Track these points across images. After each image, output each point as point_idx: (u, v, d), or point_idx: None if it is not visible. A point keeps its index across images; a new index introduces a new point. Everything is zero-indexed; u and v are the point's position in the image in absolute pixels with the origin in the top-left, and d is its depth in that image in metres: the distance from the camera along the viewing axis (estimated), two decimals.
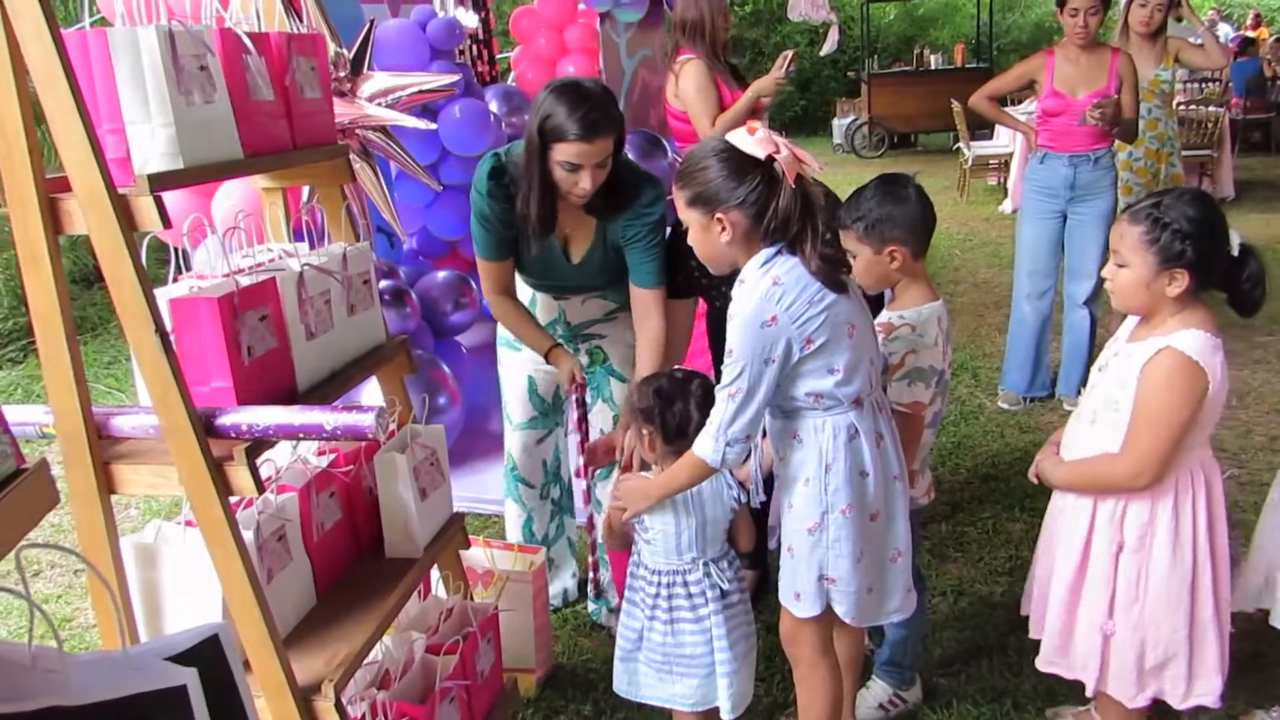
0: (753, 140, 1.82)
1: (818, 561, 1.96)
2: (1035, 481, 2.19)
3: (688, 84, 3.83)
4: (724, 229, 1.85)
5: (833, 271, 1.84)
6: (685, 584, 2.12)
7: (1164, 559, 1.96)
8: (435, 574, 2.31)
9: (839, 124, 14.45)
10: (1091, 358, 4.25)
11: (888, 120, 13.77)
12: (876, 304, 2.33)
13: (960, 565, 3.11)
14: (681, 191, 1.90)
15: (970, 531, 3.31)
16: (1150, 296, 1.93)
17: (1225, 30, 14.03)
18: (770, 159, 1.81)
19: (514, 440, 2.80)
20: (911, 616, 2.24)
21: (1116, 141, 4.26)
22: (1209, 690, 2.01)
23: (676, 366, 2.42)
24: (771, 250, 1.85)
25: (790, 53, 3.87)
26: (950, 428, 4.19)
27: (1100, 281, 4.16)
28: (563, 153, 2.23)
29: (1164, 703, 2.07)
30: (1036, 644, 2.19)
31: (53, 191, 1.46)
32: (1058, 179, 4.14)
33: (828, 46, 6.50)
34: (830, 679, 2.10)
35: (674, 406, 2.08)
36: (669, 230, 2.50)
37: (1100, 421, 2.01)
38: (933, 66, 14.35)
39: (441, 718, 1.98)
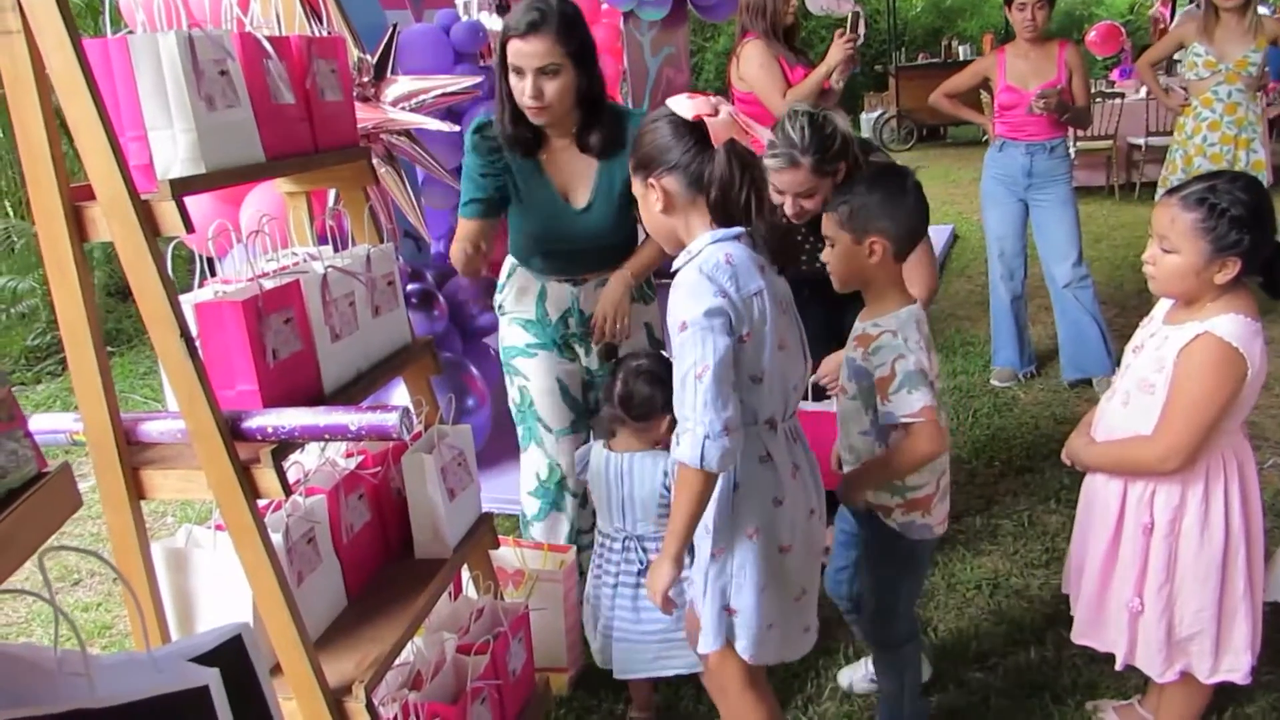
0: (689, 103, 1.71)
1: (720, 589, 1.83)
2: (1067, 463, 2.16)
3: (749, 64, 3.79)
4: (658, 196, 1.74)
5: (779, 245, 1.76)
6: (612, 551, 2.20)
7: (1192, 541, 1.95)
8: (466, 574, 2.31)
9: (866, 118, 14.36)
10: (1103, 336, 4.33)
11: (916, 113, 13.66)
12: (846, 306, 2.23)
13: (995, 558, 3.07)
14: (630, 159, 1.81)
15: (1005, 524, 3.27)
16: (1198, 284, 1.88)
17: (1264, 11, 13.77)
18: (698, 119, 1.68)
19: (559, 449, 2.63)
20: (904, 663, 2.21)
21: (1176, 121, 4.60)
22: (1237, 666, 2.00)
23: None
24: (727, 231, 1.73)
25: (855, 9, 3.80)
26: (984, 419, 4.15)
27: (1079, 261, 4.25)
28: (511, 54, 2.21)
29: (1230, 690, 2.03)
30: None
31: (77, 199, 1.47)
32: (1015, 166, 4.33)
33: None
34: (763, 712, 1.95)
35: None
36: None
37: (1133, 404, 1.99)
38: (961, 57, 14.23)
39: (474, 718, 1.98)
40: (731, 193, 1.70)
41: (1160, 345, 1.94)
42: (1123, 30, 11.55)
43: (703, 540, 1.85)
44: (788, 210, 2.48)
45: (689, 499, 1.72)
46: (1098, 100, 8.02)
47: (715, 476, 1.71)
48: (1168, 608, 1.98)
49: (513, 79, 2.25)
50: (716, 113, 1.69)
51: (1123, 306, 5.52)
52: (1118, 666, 2.09)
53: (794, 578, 1.86)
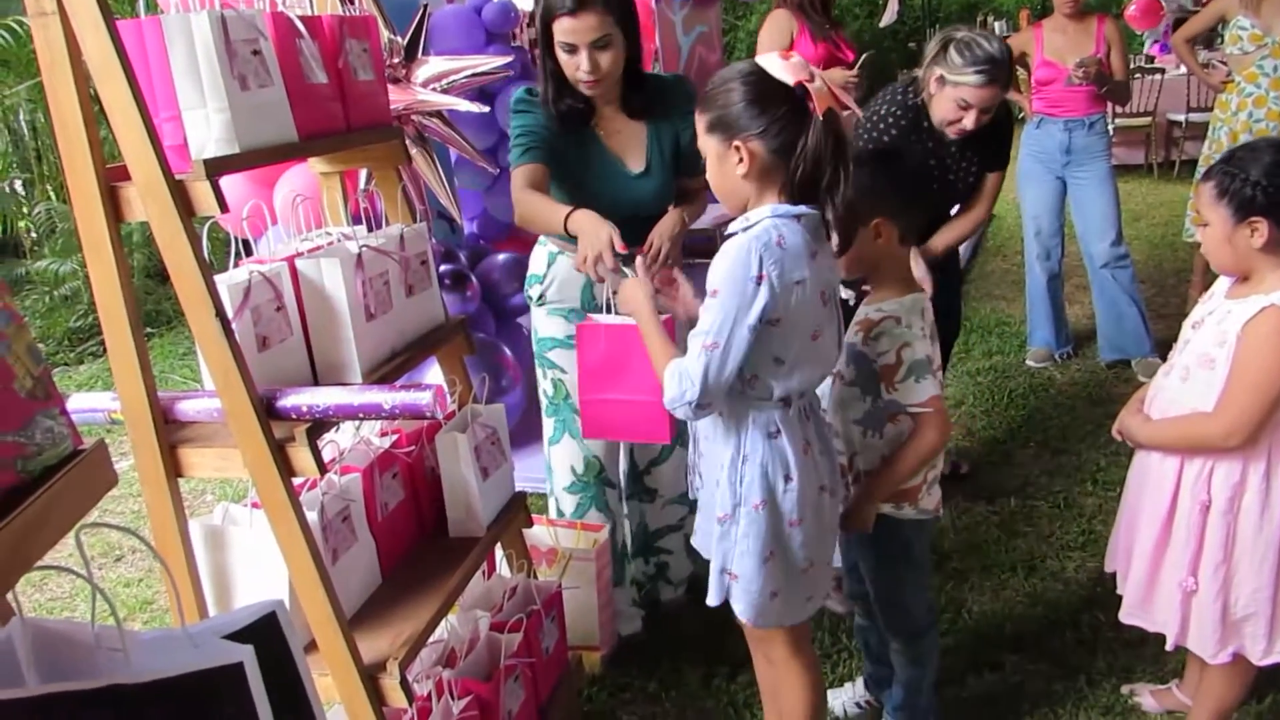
0: (784, 65, 1.63)
1: (723, 552, 1.83)
2: (1118, 439, 2.12)
3: (762, 32, 3.84)
4: (741, 159, 1.66)
5: (848, 226, 1.71)
6: None
7: (1253, 520, 1.91)
8: (499, 553, 2.32)
9: None
10: (1141, 316, 4.29)
11: None
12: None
13: (1030, 540, 3.05)
14: (701, 116, 1.72)
15: (1040, 506, 3.24)
16: (1235, 251, 1.87)
17: None
18: (800, 85, 1.61)
19: (598, 443, 2.55)
20: (925, 652, 2.17)
21: (1218, 98, 4.54)
22: None
23: None
24: (790, 209, 1.67)
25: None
26: (1019, 400, 4.11)
27: (1118, 240, 4.19)
28: (559, 33, 2.21)
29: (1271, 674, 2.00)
30: (1111, 619, 2.14)
31: (113, 180, 1.49)
32: (1053, 143, 4.26)
33: (887, 18, 6.41)
34: (808, 676, 1.95)
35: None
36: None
37: (1193, 379, 1.95)
38: (996, 33, 14.02)
39: (507, 695, 2.00)
40: (821, 165, 1.64)
41: (1222, 320, 1.91)
42: (1163, 4, 11.32)
43: (713, 499, 1.85)
44: (967, 125, 2.66)
45: (657, 359, 1.78)
46: (1136, 76, 7.87)
47: None
48: (1224, 588, 1.95)
49: (562, 56, 2.25)
50: (813, 79, 1.63)
51: (1161, 286, 5.44)
52: (1168, 647, 2.06)
53: (804, 550, 1.84)
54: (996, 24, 14.34)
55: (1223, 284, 2.01)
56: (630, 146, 2.40)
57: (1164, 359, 2.15)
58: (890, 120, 2.80)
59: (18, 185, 7.14)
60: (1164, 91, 8.36)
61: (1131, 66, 5.59)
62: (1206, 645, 2.00)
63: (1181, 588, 1.98)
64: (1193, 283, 5.04)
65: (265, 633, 0.95)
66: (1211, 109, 4.97)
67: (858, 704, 2.42)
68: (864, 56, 3.85)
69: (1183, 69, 8.23)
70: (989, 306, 5.35)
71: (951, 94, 2.64)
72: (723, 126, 1.67)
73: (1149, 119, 8.47)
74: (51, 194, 7.00)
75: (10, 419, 0.85)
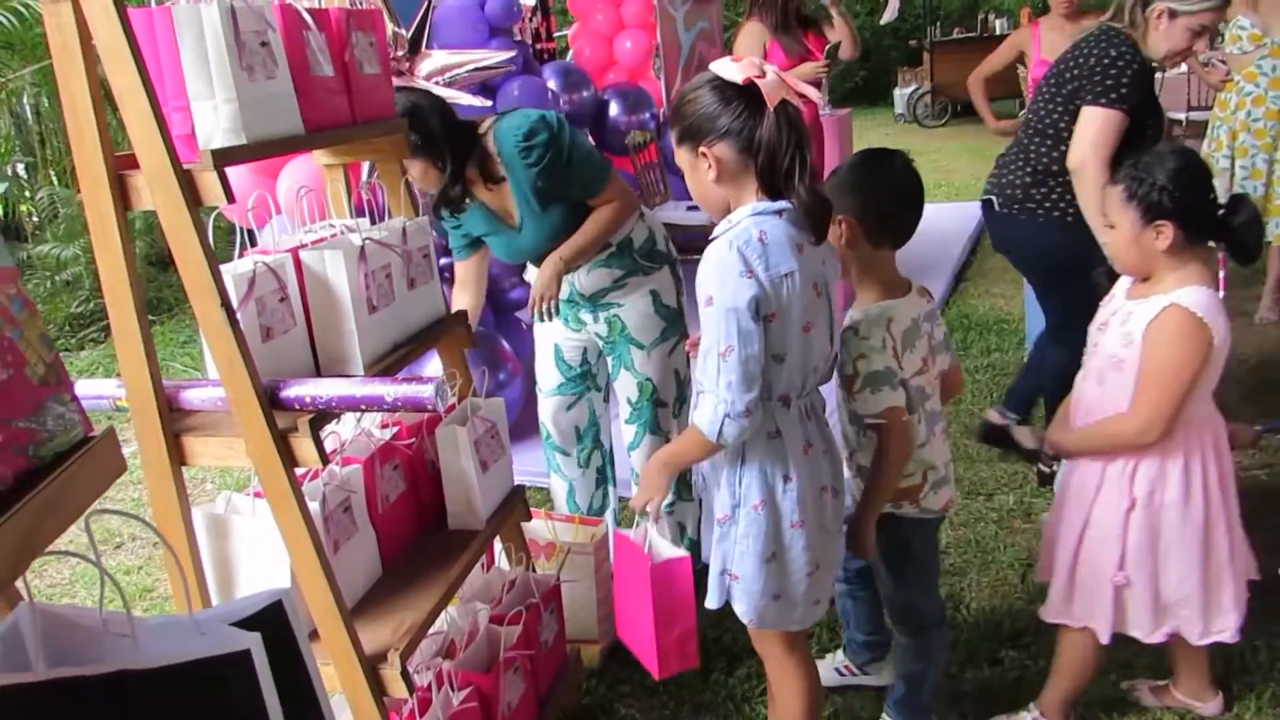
0: (736, 66, 1.67)
1: (723, 554, 1.85)
2: (1050, 453, 2.20)
3: (736, 42, 4.01)
4: (710, 165, 1.70)
5: (819, 214, 1.71)
6: None
7: (1174, 515, 1.98)
8: (497, 546, 2.33)
9: (900, 94, 14.21)
10: None
11: (951, 88, 13.47)
12: None
13: (1029, 537, 3.05)
14: (672, 131, 1.76)
15: (1038, 503, 3.24)
16: (1141, 253, 1.95)
17: None
18: (749, 82, 1.65)
19: (545, 408, 2.80)
20: (933, 650, 2.17)
21: (1217, 97, 4.56)
22: (1227, 626, 2.04)
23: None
24: (770, 205, 1.70)
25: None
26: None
27: None
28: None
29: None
30: None
31: (121, 168, 1.49)
32: None
33: (888, 15, 6.41)
34: (802, 678, 1.98)
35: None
36: None
37: (1106, 382, 2.02)
38: (997, 32, 14.00)
39: (506, 687, 2.01)
40: (777, 157, 1.67)
41: (1125, 321, 1.99)
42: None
43: (714, 500, 1.87)
44: (1198, 47, 2.83)
45: (689, 455, 1.84)
46: None
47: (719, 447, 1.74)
48: (1152, 578, 2.02)
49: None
50: (764, 74, 1.65)
51: None
52: (1103, 640, 2.10)
53: (808, 554, 1.84)
54: (998, 22, 14.34)
55: (1122, 285, 2.08)
56: (505, 206, 2.53)
57: None
58: (1129, 57, 2.82)
59: (20, 169, 7.13)
60: (1164, 90, 8.33)
61: None
62: (1142, 626, 2.06)
63: (1113, 582, 2.04)
64: None
65: (272, 621, 0.96)
66: (1211, 108, 4.97)
67: (836, 669, 2.45)
68: (827, 47, 3.98)
69: (1183, 68, 8.24)
70: (987, 304, 5.36)
71: (1185, 23, 2.74)
72: (689, 136, 1.73)
73: None
74: (54, 178, 7.00)
75: (23, 405, 0.86)
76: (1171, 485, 1.98)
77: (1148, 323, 1.92)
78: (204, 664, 0.87)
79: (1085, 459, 2.09)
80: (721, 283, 1.66)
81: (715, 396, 1.68)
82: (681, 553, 1.86)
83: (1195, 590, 2.01)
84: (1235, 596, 2.04)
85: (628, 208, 2.52)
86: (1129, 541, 2.01)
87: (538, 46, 5.37)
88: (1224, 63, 4.84)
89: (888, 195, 1.95)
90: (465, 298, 2.66)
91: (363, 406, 1.59)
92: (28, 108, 6.93)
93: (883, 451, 1.94)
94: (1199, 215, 1.93)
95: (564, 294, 2.60)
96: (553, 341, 2.74)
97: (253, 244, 1.91)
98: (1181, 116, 8.39)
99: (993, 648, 2.54)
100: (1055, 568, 2.15)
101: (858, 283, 2.02)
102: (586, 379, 2.78)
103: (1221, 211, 1.96)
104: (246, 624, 0.94)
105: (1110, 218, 1.99)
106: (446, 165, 2.40)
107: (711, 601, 1.90)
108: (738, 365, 1.66)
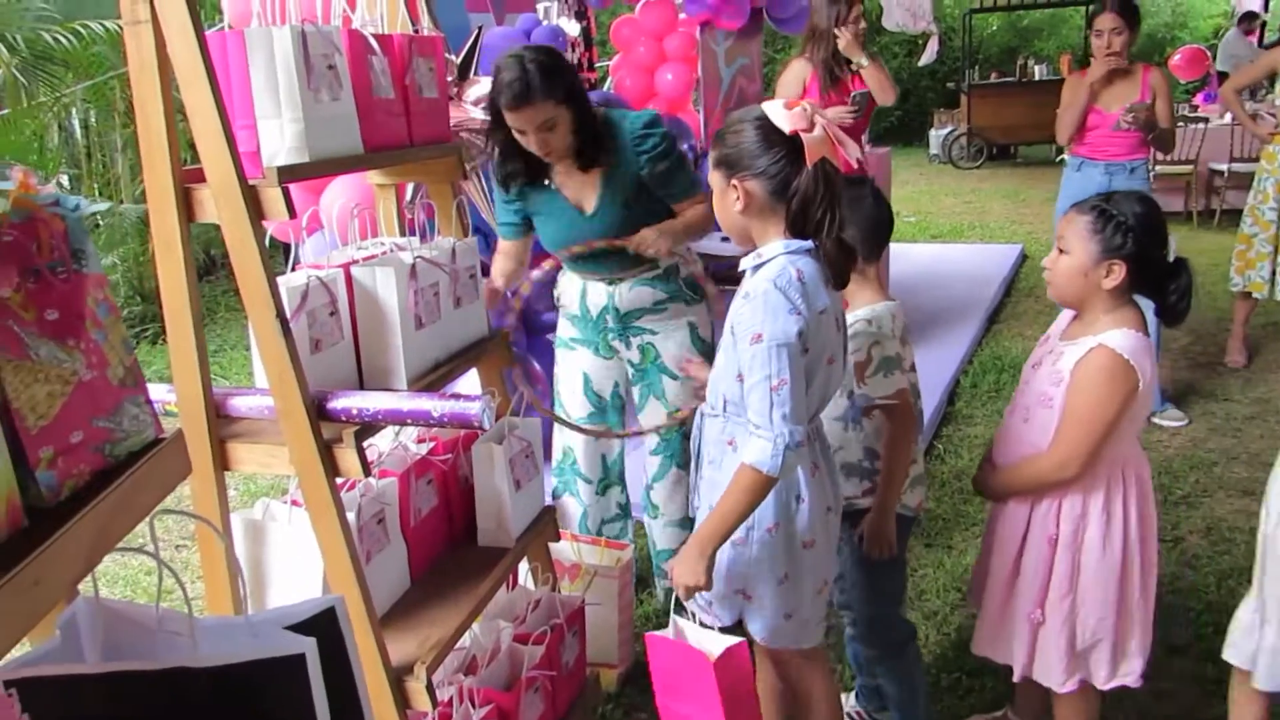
0: (786, 114, 1.73)
1: (738, 575, 1.90)
2: (977, 493, 2.25)
3: (779, 79, 4.15)
4: (738, 197, 1.77)
5: (843, 265, 1.79)
6: None
7: (1094, 552, 2.01)
8: (523, 565, 2.35)
9: (936, 134, 14.25)
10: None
11: (988, 131, 13.53)
12: None
13: None
14: (712, 152, 1.84)
15: None
16: (1086, 286, 1.99)
17: None
18: (795, 134, 1.71)
19: (575, 435, 2.81)
20: (912, 664, 2.24)
21: (1264, 149, 4.57)
22: (1132, 670, 2.07)
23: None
24: (800, 244, 1.77)
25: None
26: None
27: None
28: (508, 120, 2.40)
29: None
30: None
31: (186, 182, 1.54)
32: (1093, 185, 4.21)
33: (926, 57, 6.44)
34: (828, 689, 2.05)
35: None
36: None
37: (1034, 419, 2.06)
38: (1036, 77, 14.04)
39: (526, 706, 2.02)
40: (810, 209, 1.74)
41: (1057, 360, 2.03)
42: (1208, 54, 11.34)
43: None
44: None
45: (748, 501, 1.76)
46: (1180, 125, 7.89)
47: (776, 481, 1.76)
48: (1069, 618, 2.04)
49: (518, 136, 2.44)
50: (813, 127, 1.71)
51: (1199, 334, 5.44)
52: (1015, 679, 2.13)
53: (816, 572, 1.92)
54: (1037, 68, 14.37)
55: (1059, 325, 2.13)
56: (584, 193, 2.58)
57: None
58: None
59: (64, 180, 7.28)
60: (1207, 140, 8.36)
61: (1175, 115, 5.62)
62: (1052, 675, 2.08)
63: (1030, 620, 2.07)
64: (1233, 332, 5.04)
65: (325, 626, 0.98)
66: (1256, 159, 4.98)
67: (849, 714, 2.48)
68: (853, 94, 4.10)
69: (1227, 118, 8.23)
70: (1020, 346, 5.35)
71: None
72: (726, 164, 1.79)
73: (1190, 167, 8.47)
74: (96, 191, 7.13)
75: (103, 405, 0.90)
76: (1093, 523, 2.02)
77: (1075, 361, 1.96)
78: (259, 665, 0.90)
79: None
80: (773, 319, 1.71)
81: (770, 431, 1.71)
82: (733, 640, 1.85)
83: (1109, 632, 2.04)
84: (1142, 640, 2.07)
85: (712, 217, 2.58)
86: (1052, 579, 2.05)
87: (580, 75, 5.45)
88: (1272, 115, 4.85)
89: (869, 220, 2.11)
90: (508, 265, 2.71)
91: (408, 421, 1.62)
92: (76, 123, 7.07)
93: (889, 433, 2.07)
94: (1151, 265, 1.97)
95: (595, 313, 2.64)
96: (581, 370, 2.77)
97: (287, 258, 1.96)
98: (1224, 168, 8.38)
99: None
100: (984, 601, 2.18)
101: (852, 296, 2.15)
102: (615, 413, 2.83)
103: (1167, 270, 2.00)
104: (301, 628, 0.96)
105: (1067, 243, 2.02)
106: (581, 118, 2.43)
107: (723, 619, 1.94)
108: (790, 398, 1.70)
